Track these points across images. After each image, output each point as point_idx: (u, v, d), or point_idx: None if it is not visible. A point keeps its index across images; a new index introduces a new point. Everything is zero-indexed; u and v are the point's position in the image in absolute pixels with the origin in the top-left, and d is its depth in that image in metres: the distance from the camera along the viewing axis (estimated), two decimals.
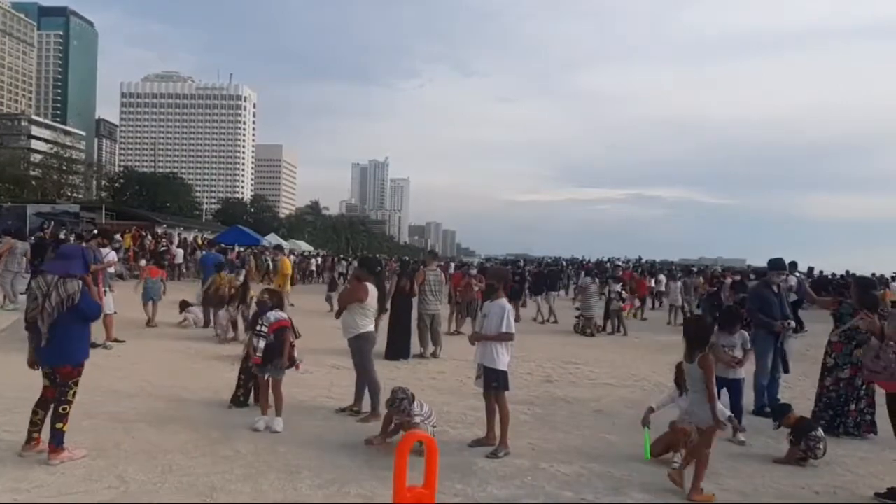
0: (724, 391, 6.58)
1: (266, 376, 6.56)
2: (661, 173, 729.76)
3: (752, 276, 19.18)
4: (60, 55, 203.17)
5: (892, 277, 24.39)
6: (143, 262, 20.59)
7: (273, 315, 6.52)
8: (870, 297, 7.58)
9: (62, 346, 5.16)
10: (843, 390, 7.30)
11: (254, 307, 9.44)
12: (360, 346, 7.12)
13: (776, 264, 8.47)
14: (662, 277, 25.23)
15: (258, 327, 6.45)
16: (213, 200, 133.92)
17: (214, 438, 5.97)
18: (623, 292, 18.20)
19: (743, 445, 6.63)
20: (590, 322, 16.49)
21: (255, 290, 10.53)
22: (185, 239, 35.73)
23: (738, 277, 17.74)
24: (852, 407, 7.24)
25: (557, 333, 16.25)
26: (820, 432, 6.16)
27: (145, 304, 13.67)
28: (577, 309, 17.58)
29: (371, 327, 7.21)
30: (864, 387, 7.19)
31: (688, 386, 5.44)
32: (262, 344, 6.41)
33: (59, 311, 5.08)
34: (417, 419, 5.87)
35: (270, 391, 6.54)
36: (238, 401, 7.27)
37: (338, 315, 7.34)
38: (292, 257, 14.57)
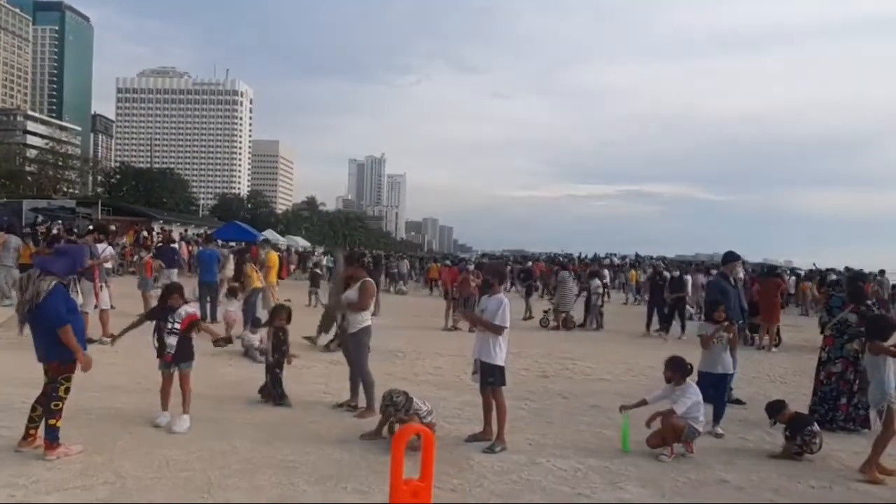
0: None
1: (172, 370, 6.39)
2: (658, 170, 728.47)
3: (712, 272, 19.14)
4: (56, 50, 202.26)
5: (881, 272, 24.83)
6: (145, 255, 20.72)
7: (184, 310, 6.47)
8: (857, 289, 7.71)
9: (45, 341, 5.17)
10: (834, 384, 7.33)
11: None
12: (360, 340, 7.14)
13: (730, 257, 8.91)
14: (606, 272, 25.76)
15: (170, 324, 6.36)
16: (210, 196, 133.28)
17: (211, 434, 5.98)
18: (605, 288, 18.24)
19: (721, 438, 6.73)
20: (565, 316, 16.49)
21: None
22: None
23: (676, 273, 17.43)
24: (843, 401, 7.29)
25: (550, 329, 16.26)
26: (816, 427, 6.21)
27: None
28: (552, 303, 17.61)
29: (370, 321, 7.25)
30: (856, 381, 7.22)
31: (868, 377, 6.00)
32: (173, 340, 6.34)
33: (30, 306, 5.10)
34: (422, 414, 5.88)
35: (180, 387, 6.36)
36: (281, 400, 7.30)
37: (344, 318, 7.24)
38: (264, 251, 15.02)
